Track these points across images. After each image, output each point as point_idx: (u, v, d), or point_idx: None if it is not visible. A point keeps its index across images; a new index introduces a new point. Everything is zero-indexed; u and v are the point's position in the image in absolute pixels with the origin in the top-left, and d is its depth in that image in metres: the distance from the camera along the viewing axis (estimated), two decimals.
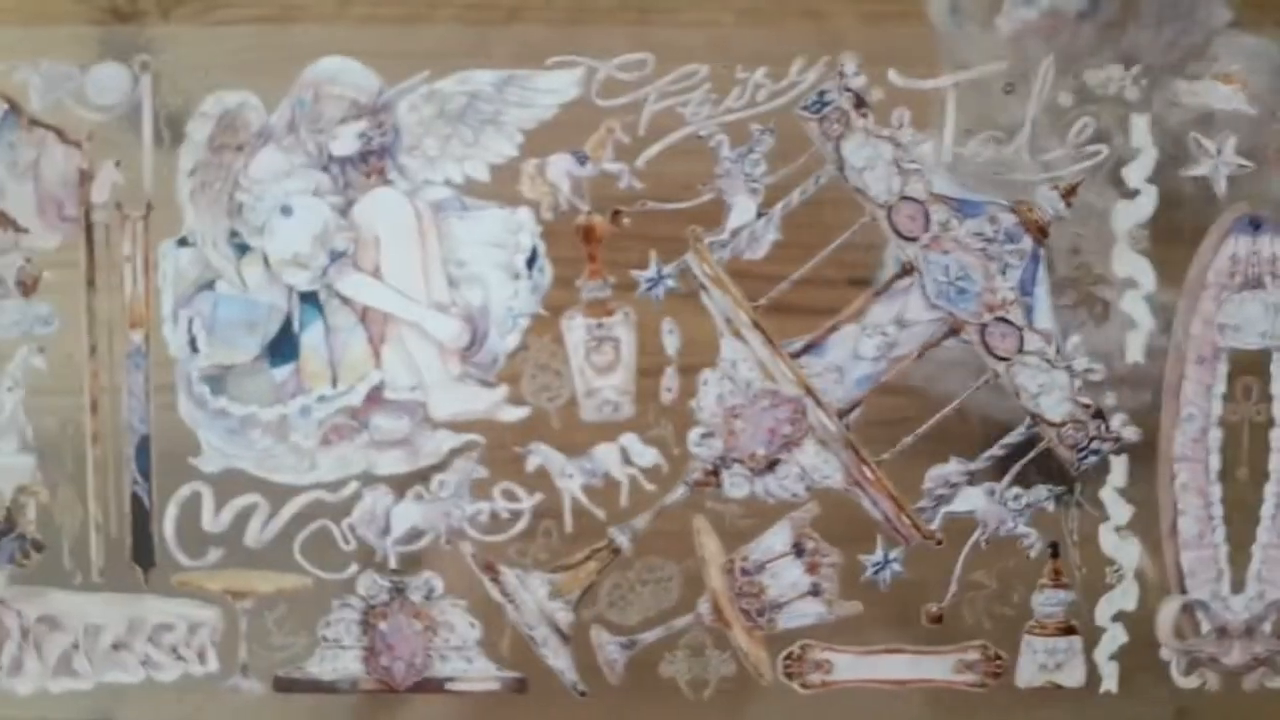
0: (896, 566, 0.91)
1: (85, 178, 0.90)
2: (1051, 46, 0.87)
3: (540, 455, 0.91)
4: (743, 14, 0.89)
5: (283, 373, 0.91)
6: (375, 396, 0.91)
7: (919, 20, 0.88)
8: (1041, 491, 0.90)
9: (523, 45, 0.89)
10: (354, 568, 0.92)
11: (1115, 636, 0.92)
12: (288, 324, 0.91)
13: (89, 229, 0.90)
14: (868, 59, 0.88)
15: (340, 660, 0.92)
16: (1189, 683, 0.92)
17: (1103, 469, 0.90)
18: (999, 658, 0.92)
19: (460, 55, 0.89)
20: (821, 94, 0.88)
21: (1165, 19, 0.87)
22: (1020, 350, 0.88)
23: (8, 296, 0.90)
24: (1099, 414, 0.89)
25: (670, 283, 0.90)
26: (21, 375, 0.91)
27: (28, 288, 0.90)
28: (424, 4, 0.89)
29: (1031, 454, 0.90)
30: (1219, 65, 0.88)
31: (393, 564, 0.92)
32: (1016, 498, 0.90)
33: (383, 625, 0.92)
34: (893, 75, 0.88)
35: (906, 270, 0.89)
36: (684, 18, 0.89)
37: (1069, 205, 0.88)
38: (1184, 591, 0.92)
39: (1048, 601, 0.91)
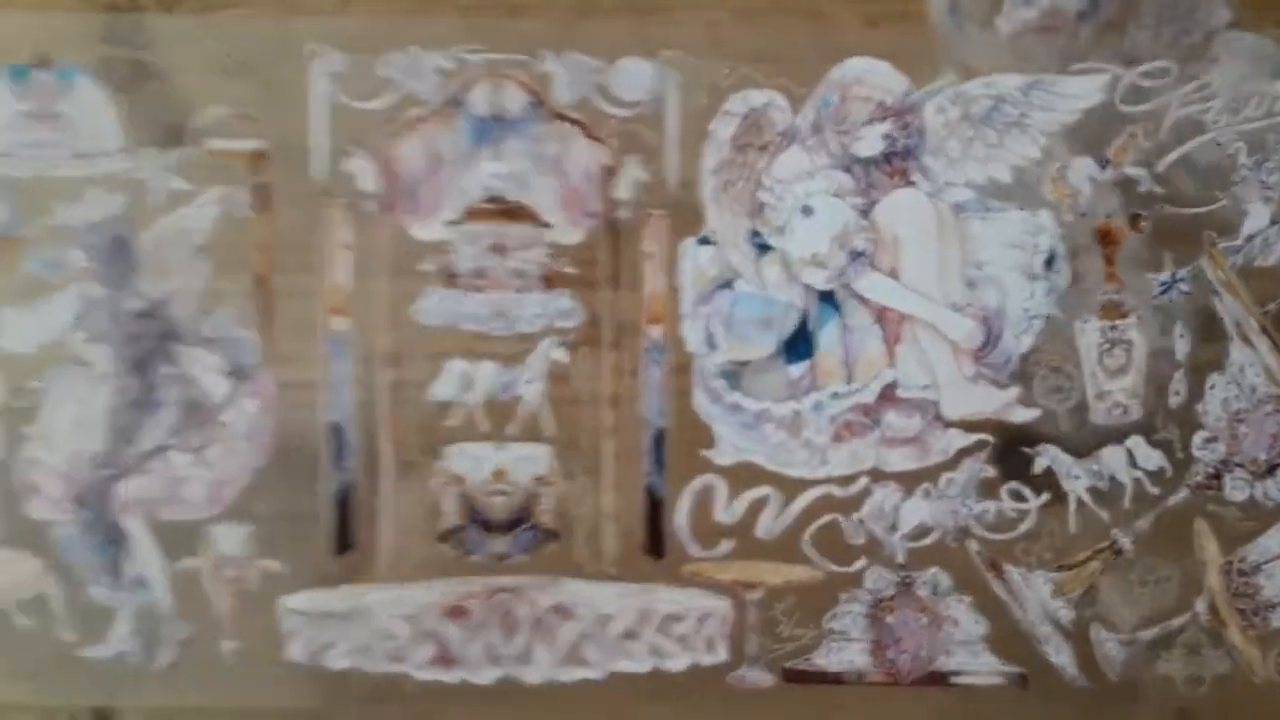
0: None
1: (609, 174, 0.90)
2: (1051, 46, 0.88)
3: (1048, 456, 0.92)
4: (742, 14, 0.90)
5: (798, 369, 0.92)
6: (888, 394, 0.92)
7: (919, 20, 0.89)
8: None
9: (521, 39, 0.89)
10: (862, 561, 0.93)
11: None
12: (804, 322, 0.92)
13: (612, 225, 0.91)
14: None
15: (847, 652, 0.94)
16: None
17: None
18: None
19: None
20: None
21: (1165, 19, 0.88)
22: None
23: (530, 290, 0.91)
24: None
25: (1184, 286, 0.91)
26: (542, 368, 0.91)
27: (550, 281, 0.91)
28: None
29: None
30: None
31: (900, 559, 0.93)
32: None
33: (890, 619, 0.93)
34: None
35: None
36: (682, 17, 0.90)
37: None
38: None
39: None
